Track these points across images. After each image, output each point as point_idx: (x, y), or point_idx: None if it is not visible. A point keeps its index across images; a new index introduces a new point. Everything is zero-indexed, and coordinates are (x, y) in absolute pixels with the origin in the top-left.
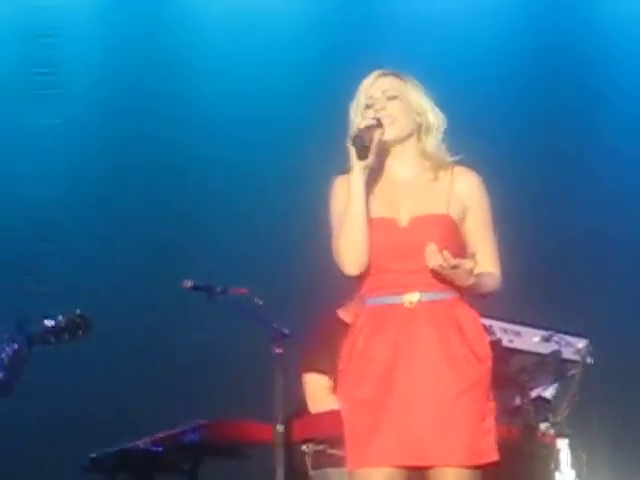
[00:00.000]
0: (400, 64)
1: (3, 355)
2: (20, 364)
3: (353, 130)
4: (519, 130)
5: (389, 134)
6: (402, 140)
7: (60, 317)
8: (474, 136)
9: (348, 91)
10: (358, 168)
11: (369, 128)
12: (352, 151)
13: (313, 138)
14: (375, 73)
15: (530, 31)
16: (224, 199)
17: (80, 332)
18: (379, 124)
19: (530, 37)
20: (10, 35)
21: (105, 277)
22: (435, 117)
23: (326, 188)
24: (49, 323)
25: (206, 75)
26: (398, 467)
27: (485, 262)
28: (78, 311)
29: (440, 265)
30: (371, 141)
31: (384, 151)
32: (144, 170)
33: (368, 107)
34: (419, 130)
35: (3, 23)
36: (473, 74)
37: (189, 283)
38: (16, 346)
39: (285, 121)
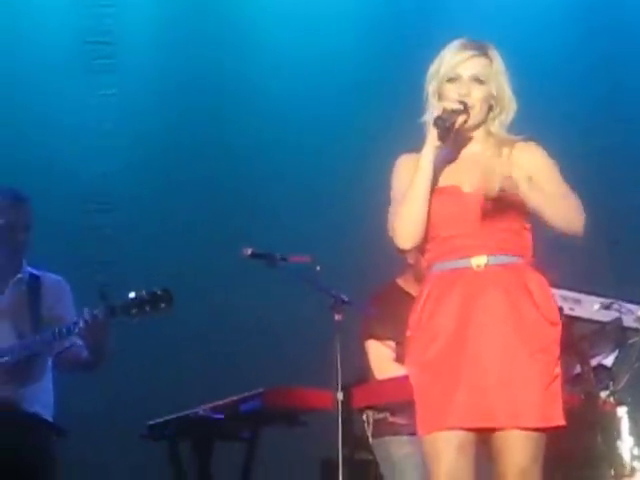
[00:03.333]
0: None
1: (81, 324)
2: (98, 332)
3: (438, 110)
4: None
5: (469, 121)
6: (477, 125)
7: (144, 291)
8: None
9: (409, 72)
10: (431, 146)
11: (454, 112)
12: (431, 129)
13: (375, 114)
14: (465, 49)
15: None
16: (283, 170)
17: (162, 305)
18: (465, 110)
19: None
20: (67, 4)
21: (165, 248)
22: (510, 103)
23: (387, 160)
24: (132, 295)
25: (264, 50)
26: (469, 429)
27: (559, 192)
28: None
29: None
30: (453, 125)
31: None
32: (203, 142)
33: (450, 81)
34: (491, 111)
35: None
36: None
37: (249, 251)
38: (91, 316)
39: (346, 98)
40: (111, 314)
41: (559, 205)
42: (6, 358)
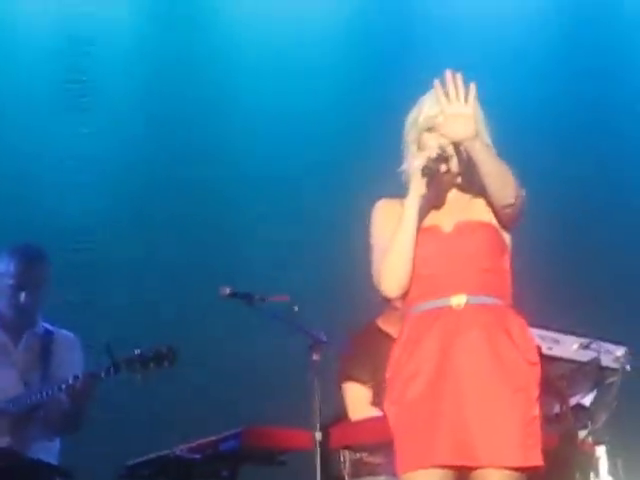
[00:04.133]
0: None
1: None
2: (82, 393)
3: (423, 160)
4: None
5: (449, 168)
6: (456, 173)
7: (149, 348)
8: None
9: (393, 103)
10: (416, 196)
11: (438, 160)
12: (415, 178)
13: (354, 151)
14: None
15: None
16: (262, 209)
17: (166, 363)
18: (447, 158)
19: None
20: (46, 43)
21: (145, 287)
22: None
23: (365, 202)
24: (137, 352)
25: (242, 85)
26: (449, 468)
27: None
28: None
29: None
30: (438, 172)
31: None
32: (182, 179)
33: (429, 131)
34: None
35: (40, 31)
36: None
37: (227, 290)
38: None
39: (324, 133)
40: (115, 371)
41: (502, 173)
42: (11, 407)
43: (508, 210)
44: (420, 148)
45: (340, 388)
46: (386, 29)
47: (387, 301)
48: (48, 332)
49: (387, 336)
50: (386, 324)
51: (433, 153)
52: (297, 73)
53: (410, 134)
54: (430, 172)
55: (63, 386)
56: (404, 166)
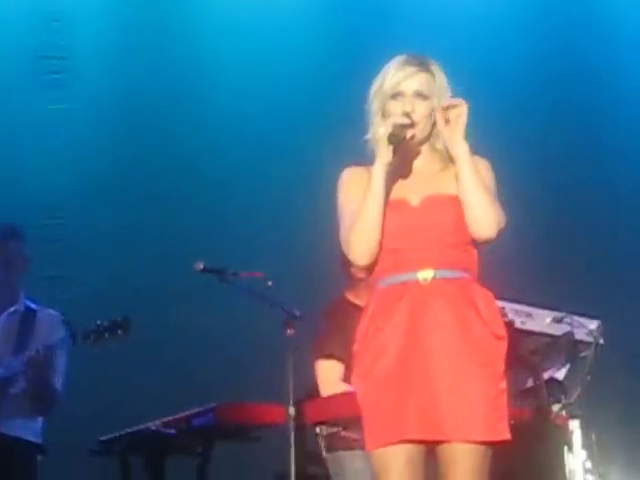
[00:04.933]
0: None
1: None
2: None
3: (388, 127)
4: (534, 119)
5: (416, 136)
6: (422, 141)
7: (105, 320)
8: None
9: (356, 83)
10: (383, 163)
11: (404, 126)
12: (381, 146)
13: (325, 126)
14: (407, 65)
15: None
16: (236, 185)
17: (120, 331)
18: (412, 124)
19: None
20: (20, 20)
21: (115, 262)
22: None
23: (337, 175)
24: (97, 323)
25: (216, 62)
26: (417, 443)
27: None
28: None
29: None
30: (404, 139)
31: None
32: (155, 155)
33: (394, 98)
34: (435, 126)
35: (14, 8)
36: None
37: (200, 265)
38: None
39: (296, 110)
40: (73, 341)
41: (485, 201)
42: None
43: (483, 243)
44: (385, 116)
45: (314, 364)
46: (358, 8)
47: (354, 271)
48: (30, 310)
49: (357, 308)
50: (355, 296)
51: (398, 119)
52: (270, 46)
53: (374, 103)
54: (396, 139)
55: (25, 359)
56: (369, 135)
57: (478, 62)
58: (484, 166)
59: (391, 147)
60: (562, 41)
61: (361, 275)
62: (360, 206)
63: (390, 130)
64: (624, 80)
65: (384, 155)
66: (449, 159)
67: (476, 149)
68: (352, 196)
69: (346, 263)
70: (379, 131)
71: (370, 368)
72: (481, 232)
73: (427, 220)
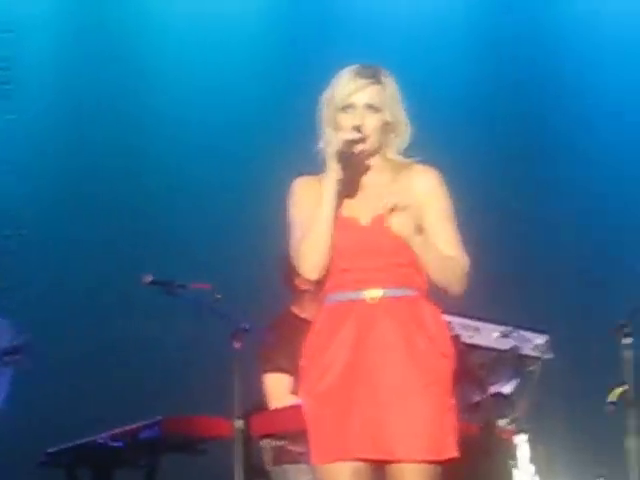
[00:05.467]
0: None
1: None
2: None
3: (338, 143)
4: (484, 131)
5: (366, 149)
6: (373, 153)
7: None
8: (437, 136)
9: (304, 90)
10: (335, 177)
11: (353, 141)
12: (332, 162)
13: (273, 135)
14: (359, 77)
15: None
16: (184, 196)
17: (18, 356)
18: (362, 139)
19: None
20: None
21: (63, 273)
22: (405, 128)
23: (286, 187)
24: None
25: (161, 71)
26: (363, 461)
27: (447, 249)
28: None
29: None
30: (353, 154)
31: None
32: (103, 166)
33: (344, 110)
34: (386, 138)
35: None
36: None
37: (149, 278)
38: None
39: (243, 119)
40: None
41: (445, 267)
42: None
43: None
44: (335, 128)
45: (261, 378)
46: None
47: (298, 283)
48: None
49: (303, 321)
50: (300, 309)
51: (348, 135)
52: (217, 55)
53: (325, 113)
54: (346, 155)
55: None
56: (320, 145)
57: (426, 72)
58: (434, 185)
59: (341, 163)
60: (509, 51)
61: (304, 287)
62: (312, 220)
63: (340, 147)
64: (569, 89)
65: (334, 171)
66: (400, 167)
67: (426, 159)
68: (302, 207)
69: (290, 275)
70: (329, 147)
71: (315, 384)
72: (448, 292)
73: (377, 240)
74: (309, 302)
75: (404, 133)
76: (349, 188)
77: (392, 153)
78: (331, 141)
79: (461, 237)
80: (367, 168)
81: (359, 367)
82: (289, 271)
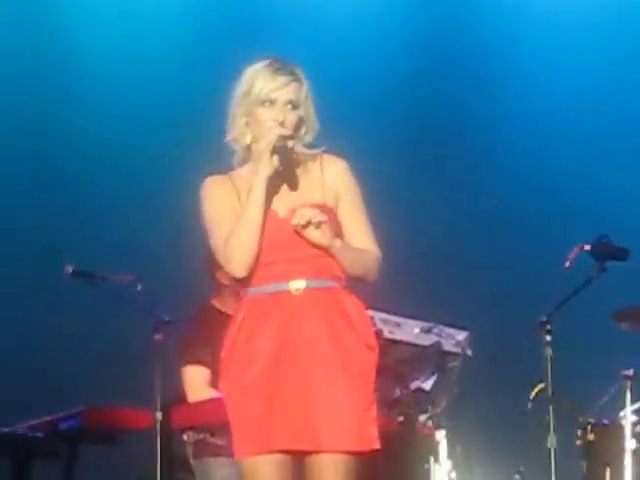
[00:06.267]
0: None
1: None
2: None
3: (272, 138)
4: (392, 126)
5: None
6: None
7: None
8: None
9: (215, 86)
10: (267, 173)
11: (285, 138)
12: (265, 156)
13: (189, 131)
14: (279, 74)
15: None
16: (107, 190)
17: None
18: (292, 136)
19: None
20: None
21: None
22: (314, 124)
23: (200, 180)
24: None
25: (87, 64)
26: (287, 452)
27: (361, 241)
28: None
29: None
30: (285, 150)
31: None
32: (24, 157)
33: (264, 105)
34: (298, 134)
35: None
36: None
37: (70, 269)
38: None
39: (161, 115)
40: None
41: (360, 261)
42: None
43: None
44: (254, 122)
45: (180, 370)
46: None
47: (219, 277)
48: None
49: (224, 315)
50: (221, 303)
51: (283, 131)
52: (133, 50)
53: (239, 107)
54: (281, 150)
55: None
56: (231, 136)
57: (340, 69)
58: (345, 176)
59: (275, 158)
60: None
61: (225, 281)
62: (240, 218)
63: (274, 141)
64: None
65: (267, 166)
66: (310, 158)
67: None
68: (221, 205)
69: (211, 269)
70: (262, 142)
71: (239, 376)
72: (363, 282)
73: (296, 230)
74: (230, 296)
75: (313, 129)
76: (270, 182)
77: (300, 148)
78: (262, 136)
79: (382, 234)
80: (290, 163)
81: (284, 359)
82: (210, 265)
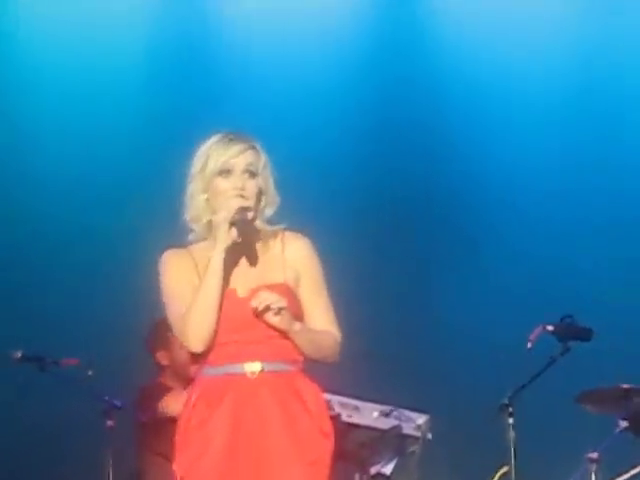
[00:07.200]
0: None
1: None
2: None
3: (231, 209)
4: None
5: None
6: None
7: None
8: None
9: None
10: (223, 248)
11: (245, 209)
12: (223, 229)
13: (144, 205)
14: (234, 143)
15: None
16: (53, 271)
17: None
18: (251, 207)
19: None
20: None
21: None
22: (274, 196)
23: (152, 259)
24: None
25: (30, 150)
26: None
27: (320, 322)
28: None
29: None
30: (245, 221)
31: None
32: None
33: (222, 175)
34: (258, 206)
35: None
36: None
37: (18, 354)
38: None
39: (116, 189)
40: None
41: (320, 344)
42: None
43: None
44: (213, 195)
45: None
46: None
47: (159, 357)
48: None
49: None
50: (171, 383)
51: (242, 202)
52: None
53: (197, 183)
54: (241, 222)
55: None
56: (189, 217)
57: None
58: (306, 252)
59: (233, 229)
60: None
61: (165, 362)
62: (197, 291)
63: (233, 213)
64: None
65: (225, 238)
66: (271, 235)
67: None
68: (179, 279)
69: (151, 350)
70: (220, 214)
71: (195, 462)
72: (323, 363)
73: (254, 312)
74: (169, 377)
75: (273, 202)
76: (229, 258)
77: (261, 222)
78: (221, 208)
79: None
80: (250, 236)
81: (239, 445)
82: (149, 345)
